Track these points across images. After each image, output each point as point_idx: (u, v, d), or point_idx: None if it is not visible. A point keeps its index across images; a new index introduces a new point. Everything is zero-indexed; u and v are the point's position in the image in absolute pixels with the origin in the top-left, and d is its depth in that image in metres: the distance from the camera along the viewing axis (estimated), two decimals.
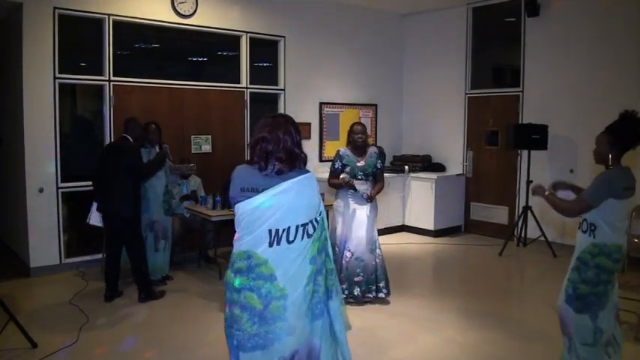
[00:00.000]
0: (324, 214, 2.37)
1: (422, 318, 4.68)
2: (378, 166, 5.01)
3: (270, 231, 2.20)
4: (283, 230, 2.20)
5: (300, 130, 2.41)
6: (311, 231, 2.28)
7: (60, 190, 5.89)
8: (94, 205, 5.23)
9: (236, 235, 2.29)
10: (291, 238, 2.22)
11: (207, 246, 6.35)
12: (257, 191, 2.22)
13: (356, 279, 4.85)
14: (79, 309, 4.75)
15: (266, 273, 2.20)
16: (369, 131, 6.43)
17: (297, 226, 2.24)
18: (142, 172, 5.07)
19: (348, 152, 4.99)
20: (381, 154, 5.10)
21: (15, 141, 5.97)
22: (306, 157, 2.40)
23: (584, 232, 3.21)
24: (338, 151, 5.05)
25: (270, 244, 2.20)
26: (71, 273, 5.87)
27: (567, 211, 3.30)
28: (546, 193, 3.40)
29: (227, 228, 6.42)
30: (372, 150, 5.02)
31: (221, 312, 4.73)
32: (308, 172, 2.36)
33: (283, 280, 2.21)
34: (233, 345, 2.26)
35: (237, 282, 2.24)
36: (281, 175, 2.27)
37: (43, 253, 5.81)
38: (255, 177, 2.28)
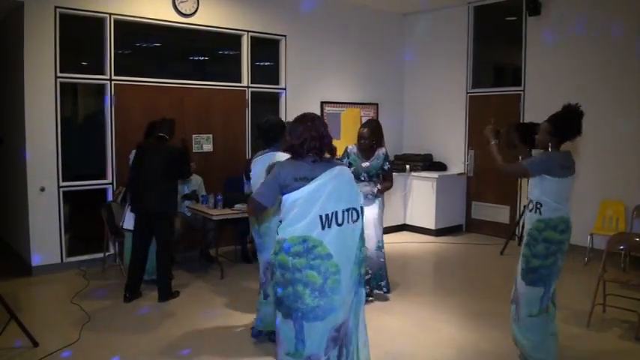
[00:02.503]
0: (362, 204, 2.70)
1: (423, 317, 4.68)
2: (385, 167, 4.98)
3: (320, 217, 2.54)
4: (332, 214, 2.56)
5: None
6: (355, 217, 2.63)
7: (61, 189, 5.89)
8: (128, 208, 5.26)
9: (284, 223, 2.62)
10: (339, 222, 2.57)
11: (209, 245, 6.36)
12: (308, 180, 2.58)
13: (365, 277, 4.85)
14: (80, 308, 4.75)
15: (323, 253, 2.54)
16: None
17: (343, 211, 2.59)
18: (184, 177, 5.28)
19: (355, 151, 5.02)
20: (387, 154, 5.10)
21: (16, 140, 5.98)
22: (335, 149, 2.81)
23: (531, 210, 3.52)
24: (346, 148, 5.11)
25: (323, 228, 2.54)
26: (72, 272, 5.87)
27: (504, 169, 3.63)
28: (493, 142, 3.69)
29: (228, 227, 6.46)
30: (380, 152, 4.98)
31: (223, 309, 4.78)
32: (340, 163, 2.79)
33: (337, 258, 2.55)
34: (298, 316, 2.59)
35: (293, 262, 2.57)
36: (327, 163, 2.66)
37: (45, 252, 5.82)
38: (303, 168, 2.63)
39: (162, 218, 4.98)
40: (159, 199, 4.91)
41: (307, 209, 2.55)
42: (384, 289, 5.05)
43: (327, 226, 2.55)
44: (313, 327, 2.57)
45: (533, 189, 3.52)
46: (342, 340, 2.64)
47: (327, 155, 2.75)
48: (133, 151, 5.29)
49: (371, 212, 4.89)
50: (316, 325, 2.56)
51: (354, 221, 2.63)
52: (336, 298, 2.56)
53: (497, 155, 3.65)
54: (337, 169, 2.65)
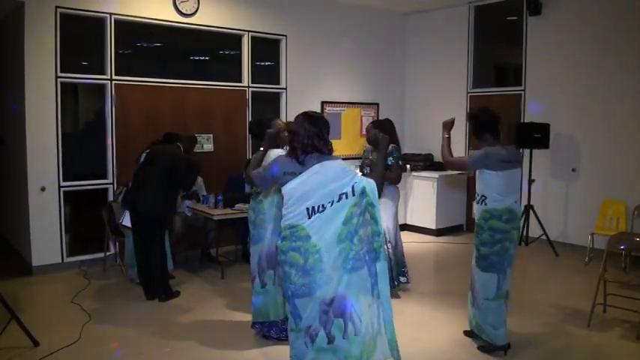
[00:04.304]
0: (362, 184, 2.80)
1: (424, 317, 4.69)
2: (388, 162, 5.08)
3: (307, 209, 2.75)
4: (318, 207, 2.75)
5: (318, 122, 2.90)
6: (342, 199, 2.77)
7: (62, 189, 5.90)
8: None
9: (283, 211, 2.85)
10: (322, 210, 2.76)
11: (209, 245, 6.36)
12: (296, 174, 2.80)
13: None
14: (80, 308, 4.76)
15: (303, 235, 2.75)
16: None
17: (329, 202, 2.75)
18: (184, 187, 5.28)
19: (368, 147, 5.45)
20: (395, 149, 5.21)
21: (17, 140, 5.98)
22: (327, 147, 2.89)
23: (478, 203, 3.82)
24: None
25: (309, 217, 2.75)
26: (73, 272, 5.88)
27: (448, 161, 3.92)
28: (447, 135, 3.96)
29: (229, 227, 6.46)
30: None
31: (224, 309, 4.79)
32: (332, 157, 2.87)
33: (315, 238, 2.74)
34: (289, 295, 2.83)
35: (283, 244, 2.83)
36: (316, 159, 2.81)
37: (45, 252, 5.83)
38: (293, 164, 2.85)
39: (153, 219, 4.95)
40: (151, 199, 4.90)
41: (297, 201, 2.77)
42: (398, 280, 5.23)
43: (312, 215, 2.75)
44: (304, 302, 2.78)
45: (479, 182, 3.82)
46: (339, 314, 2.79)
47: (325, 153, 2.88)
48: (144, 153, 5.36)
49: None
50: (306, 301, 2.77)
51: (338, 201, 2.77)
52: (319, 275, 2.74)
53: (446, 147, 3.93)
54: (321, 164, 2.79)
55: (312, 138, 2.83)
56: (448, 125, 4.01)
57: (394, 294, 5.16)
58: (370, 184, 2.81)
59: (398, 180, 5.28)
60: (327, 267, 2.74)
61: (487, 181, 3.74)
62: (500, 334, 3.82)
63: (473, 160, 3.79)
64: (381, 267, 2.83)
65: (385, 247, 5.02)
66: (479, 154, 3.77)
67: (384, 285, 2.84)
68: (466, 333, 4.20)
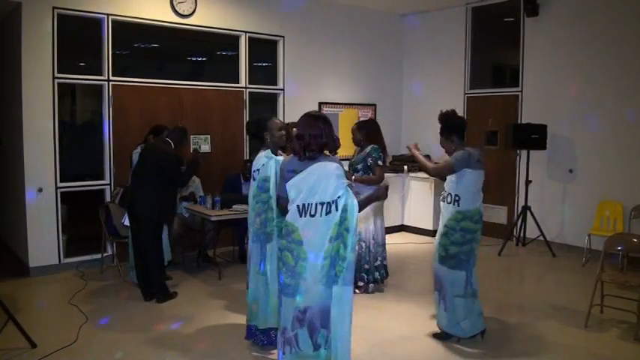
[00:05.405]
0: (345, 202, 2.83)
1: (421, 318, 4.69)
2: (368, 163, 5.22)
3: (298, 206, 2.85)
4: (308, 205, 2.83)
5: (328, 120, 3.01)
6: (327, 210, 2.83)
7: (59, 190, 5.89)
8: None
9: (288, 207, 2.94)
10: (312, 212, 2.83)
11: (207, 246, 6.35)
12: (296, 172, 2.91)
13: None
14: (78, 309, 4.75)
15: (297, 239, 2.85)
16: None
17: (317, 204, 2.82)
18: (178, 184, 5.23)
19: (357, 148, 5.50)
20: (373, 149, 5.26)
21: (14, 141, 5.97)
22: (334, 144, 3.04)
23: (449, 203, 3.93)
24: None
25: (300, 216, 2.84)
26: (70, 273, 5.87)
27: (433, 169, 4.11)
28: (418, 153, 4.18)
29: (226, 228, 6.45)
30: (367, 148, 5.30)
31: (221, 310, 4.78)
32: (332, 159, 2.95)
33: (307, 246, 2.83)
34: (279, 289, 2.99)
35: (281, 241, 2.98)
36: (307, 160, 2.91)
37: (43, 253, 5.81)
38: (295, 162, 2.97)
39: (148, 220, 4.93)
40: (146, 200, 4.90)
41: (294, 199, 2.88)
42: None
43: (303, 214, 2.84)
44: (284, 302, 2.91)
45: (454, 183, 3.91)
46: (311, 323, 2.85)
47: (327, 153, 2.99)
48: (134, 150, 5.35)
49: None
50: (286, 301, 2.89)
51: (326, 214, 2.83)
52: (301, 282, 2.84)
53: (423, 161, 4.15)
54: (317, 164, 2.89)
55: (328, 136, 2.95)
56: (414, 147, 4.25)
57: (379, 288, 5.38)
58: (353, 206, 2.84)
59: (380, 180, 5.25)
60: (309, 278, 2.83)
61: (465, 181, 3.87)
62: (472, 323, 3.99)
63: (458, 161, 3.89)
64: (338, 292, 2.84)
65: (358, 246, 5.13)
66: (462, 154, 3.90)
67: (338, 310, 2.84)
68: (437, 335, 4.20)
